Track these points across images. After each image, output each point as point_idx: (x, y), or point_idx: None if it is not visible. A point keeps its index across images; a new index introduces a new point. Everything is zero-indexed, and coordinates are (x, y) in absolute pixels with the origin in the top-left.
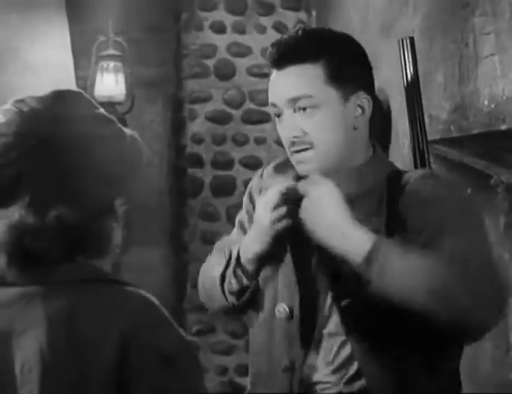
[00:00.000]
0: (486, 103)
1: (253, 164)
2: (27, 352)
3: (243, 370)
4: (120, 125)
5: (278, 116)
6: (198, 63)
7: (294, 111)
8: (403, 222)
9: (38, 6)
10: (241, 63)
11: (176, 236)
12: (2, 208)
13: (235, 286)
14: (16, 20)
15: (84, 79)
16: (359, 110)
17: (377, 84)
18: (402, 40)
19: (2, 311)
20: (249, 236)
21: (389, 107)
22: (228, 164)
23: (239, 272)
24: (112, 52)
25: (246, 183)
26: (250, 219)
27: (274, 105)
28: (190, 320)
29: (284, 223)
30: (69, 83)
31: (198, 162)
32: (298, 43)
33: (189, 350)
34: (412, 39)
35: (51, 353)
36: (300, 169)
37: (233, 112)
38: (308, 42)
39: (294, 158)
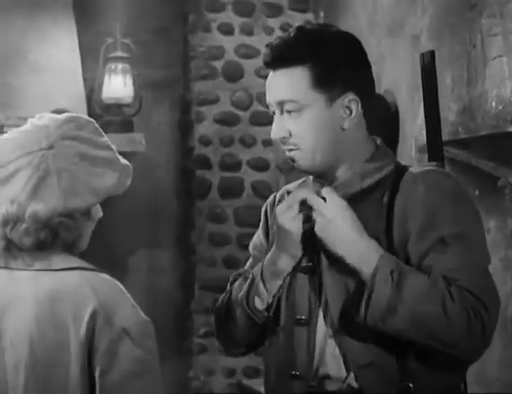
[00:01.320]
0: (493, 104)
1: (261, 166)
2: (18, 325)
3: (250, 372)
4: (117, 154)
5: (274, 114)
6: (205, 65)
7: (282, 112)
8: (399, 223)
9: (45, 8)
10: (249, 65)
11: (183, 238)
12: None
13: (260, 304)
14: (22, 22)
15: (92, 81)
16: (347, 111)
17: (384, 85)
18: (423, 54)
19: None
20: (272, 251)
21: (396, 108)
22: (236, 166)
23: (263, 290)
24: (119, 54)
25: (254, 185)
26: (267, 236)
27: (269, 105)
28: (198, 322)
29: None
30: (76, 85)
31: (205, 163)
32: (288, 46)
33: (145, 325)
34: (433, 53)
35: (36, 326)
36: (295, 166)
37: (241, 113)
38: (297, 45)
39: (287, 155)
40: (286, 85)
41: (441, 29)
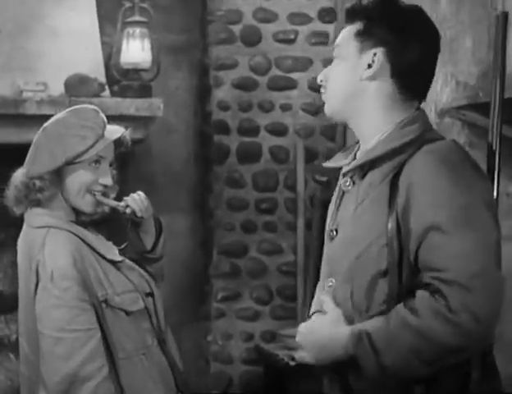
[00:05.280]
0: None
1: (279, 131)
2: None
3: (268, 336)
4: (96, 131)
5: None
6: (223, 29)
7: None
8: (403, 197)
9: None
10: (267, 29)
11: (201, 203)
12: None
13: None
14: None
15: (110, 45)
16: (371, 63)
17: None
18: (498, 16)
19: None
20: None
21: None
22: (254, 131)
23: None
24: (137, 18)
25: (272, 150)
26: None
27: None
28: (216, 286)
29: None
30: (94, 49)
31: (224, 128)
32: (351, 7)
33: (65, 270)
34: (506, 15)
35: (19, 268)
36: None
37: (259, 78)
38: (358, 7)
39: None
40: (341, 34)
41: None
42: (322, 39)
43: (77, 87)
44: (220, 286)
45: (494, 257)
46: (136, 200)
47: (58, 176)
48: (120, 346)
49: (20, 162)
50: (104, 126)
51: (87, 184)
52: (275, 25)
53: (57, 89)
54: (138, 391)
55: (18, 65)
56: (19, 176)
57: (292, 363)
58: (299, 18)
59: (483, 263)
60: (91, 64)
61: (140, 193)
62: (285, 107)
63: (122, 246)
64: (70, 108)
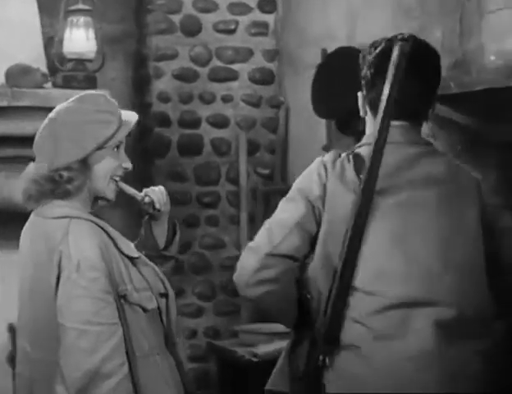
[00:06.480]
0: (492, 58)
1: (221, 122)
2: (21, 258)
3: (211, 333)
4: (113, 117)
5: None
6: (163, 19)
7: None
8: None
9: None
10: (207, 19)
11: None
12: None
13: None
14: None
15: (51, 34)
16: None
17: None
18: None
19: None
20: None
21: None
22: (195, 123)
23: None
24: (81, 6)
25: (213, 142)
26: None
27: None
28: None
29: None
30: (34, 38)
31: (164, 120)
32: None
33: (93, 261)
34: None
35: (28, 260)
36: None
37: (200, 69)
38: None
39: None
40: None
41: None
42: (262, 30)
43: (19, 77)
44: None
45: (268, 238)
46: (156, 192)
47: (85, 164)
48: (137, 344)
49: None
50: (119, 110)
51: (112, 169)
52: (215, 14)
53: None
54: (151, 391)
55: None
56: (35, 170)
57: (255, 359)
58: (238, 8)
59: (258, 239)
60: (31, 54)
61: (161, 187)
62: (227, 99)
63: (135, 242)
64: (74, 97)
